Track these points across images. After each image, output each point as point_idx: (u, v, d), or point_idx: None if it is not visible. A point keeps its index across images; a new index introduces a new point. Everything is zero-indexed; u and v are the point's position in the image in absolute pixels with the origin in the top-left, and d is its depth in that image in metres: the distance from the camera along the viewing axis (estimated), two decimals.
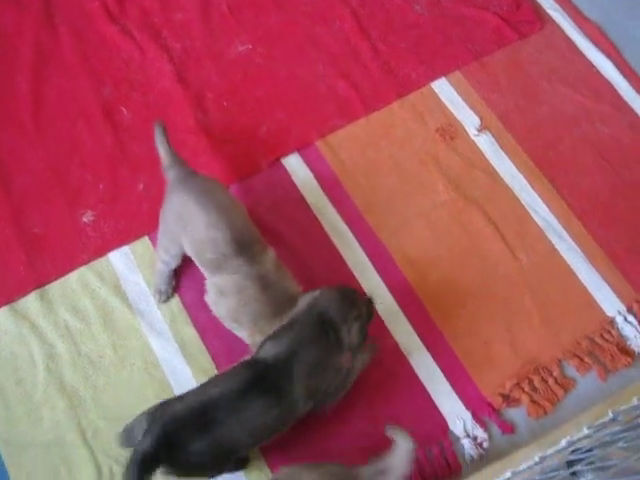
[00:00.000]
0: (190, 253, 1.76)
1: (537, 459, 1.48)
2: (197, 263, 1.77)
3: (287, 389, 1.51)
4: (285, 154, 2.12)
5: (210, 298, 1.76)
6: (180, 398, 1.51)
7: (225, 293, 1.71)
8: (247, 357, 1.59)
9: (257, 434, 1.52)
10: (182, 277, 1.93)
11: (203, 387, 1.53)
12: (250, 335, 1.71)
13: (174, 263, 1.85)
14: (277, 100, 2.17)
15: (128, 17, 2.33)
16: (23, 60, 2.25)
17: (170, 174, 1.79)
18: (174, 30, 2.31)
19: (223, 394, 1.47)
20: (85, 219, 2.00)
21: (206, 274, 1.76)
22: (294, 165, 2.10)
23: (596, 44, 2.38)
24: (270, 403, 1.49)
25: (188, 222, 1.70)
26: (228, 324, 1.76)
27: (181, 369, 1.83)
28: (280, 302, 1.68)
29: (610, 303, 1.97)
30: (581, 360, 1.90)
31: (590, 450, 1.40)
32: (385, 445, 1.60)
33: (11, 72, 2.24)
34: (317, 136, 2.14)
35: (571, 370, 1.89)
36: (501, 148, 2.17)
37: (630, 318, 1.95)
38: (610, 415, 1.46)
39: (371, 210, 2.05)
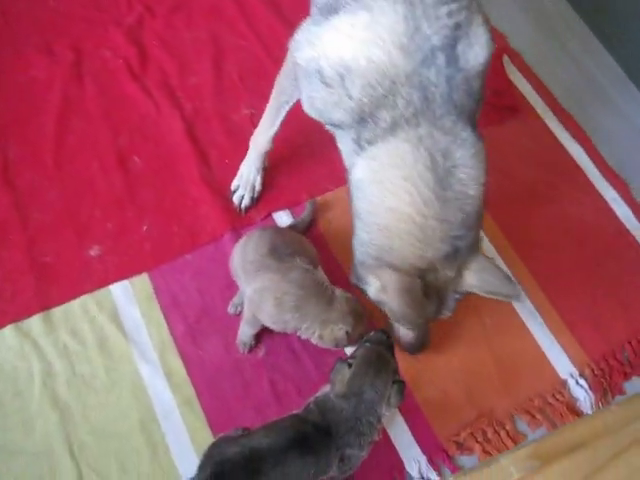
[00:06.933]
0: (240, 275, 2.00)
1: None
2: (243, 282, 2.00)
3: (325, 454, 1.64)
4: (276, 210, 2.34)
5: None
6: (235, 440, 1.63)
7: (263, 299, 1.90)
8: (298, 411, 1.72)
9: None
10: (173, 311, 2.13)
11: (258, 433, 1.64)
12: (308, 330, 1.90)
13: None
14: (273, 161, 2.38)
15: (148, 77, 2.59)
16: (50, 105, 2.50)
17: None
18: (187, 92, 2.57)
19: (270, 447, 1.59)
20: (92, 252, 2.21)
21: (248, 288, 1.96)
22: (284, 220, 2.31)
23: (569, 130, 2.63)
24: (309, 462, 1.62)
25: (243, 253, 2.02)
26: (282, 325, 1.94)
27: (165, 396, 2.00)
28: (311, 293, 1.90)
29: (563, 366, 2.16)
30: (532, 417, 2.07)
31: None
32: None
33: (38, 116, 2.48)
34: (307, 197, 2.35)
35: (523, 425, 2.06)
36: None
37: (581, 382, 2.13)
38: None
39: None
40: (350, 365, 1.69)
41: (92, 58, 2.64)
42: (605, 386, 2.12)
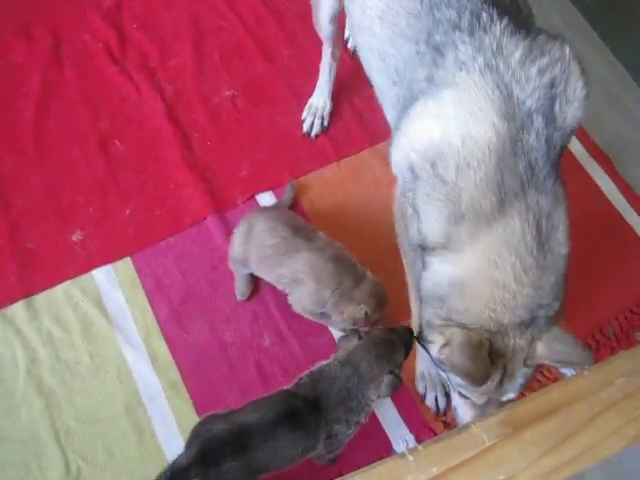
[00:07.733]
0: (255, 264, 1.99)
1: None
2: (263, 270, 1.99)
3: (314, 430, 1.64)
4: (259, 192, 2.32)
5: (294, 298, 1.97)
6: (223, 417, 1.62)
7: (298, 279, 1.91)
8: (288, 387, 1.72)
9: (283, 462, 1.65)
10: (158, 295, 2.12)
11: (247, 409, 1.64)
12: (336, 309, 1.90)
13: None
14: (256, 143, 2.37)
15: (128, 59, 2.56)
16: (30, 90, 2.48)
17: None
18: (168, 74, 2.54)
19: (260, 422, 1.58)
20: (74, 238, 2.19)
21: (274, 274, 1.97)
22: (267, 202, 2.29)
23: None
24: (299, 438, 1.62)
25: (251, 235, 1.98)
26: (316, 313, 1.95)
27: (151, 380, 1.99)
28: (347, 269, 1.92)
29: None
30: (520, 394, 2.07)
31: None
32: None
33: (18, 100, 2.46)
34: (290, 177, 2.32)
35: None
36: None
37: None
38: None
39: None
40: (361, 338, 1.71)
41: (71, 42, 2.60)
42: (592, 362, 2.12)
